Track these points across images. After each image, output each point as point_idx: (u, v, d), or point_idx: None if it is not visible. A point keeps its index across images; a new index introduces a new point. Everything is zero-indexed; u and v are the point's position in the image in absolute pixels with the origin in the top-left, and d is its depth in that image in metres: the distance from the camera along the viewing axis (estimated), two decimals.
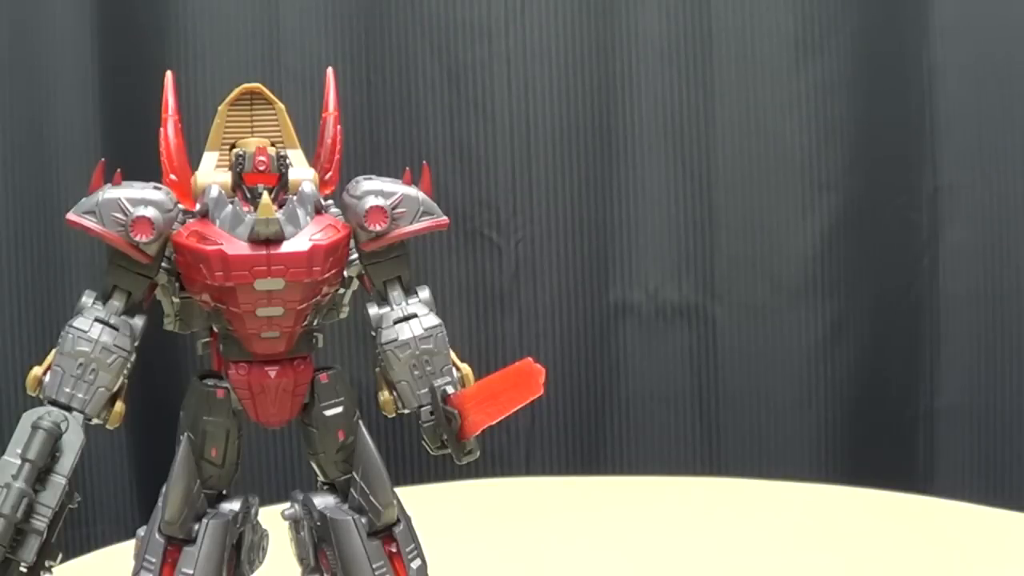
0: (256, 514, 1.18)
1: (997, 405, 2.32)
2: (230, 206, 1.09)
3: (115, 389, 1.11)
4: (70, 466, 1.07)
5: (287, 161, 1.13)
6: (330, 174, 1.17)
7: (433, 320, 1.17)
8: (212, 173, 1.14)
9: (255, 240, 1.07)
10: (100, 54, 2.17)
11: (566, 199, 2.33)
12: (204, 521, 1.10)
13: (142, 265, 1.11)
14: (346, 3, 2.25)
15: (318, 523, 1.15)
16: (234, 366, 1.12)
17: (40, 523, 1.05)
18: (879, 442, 2.37)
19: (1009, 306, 2.30)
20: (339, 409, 1.15)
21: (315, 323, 1.15)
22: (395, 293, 1.18)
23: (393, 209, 1.14)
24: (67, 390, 1.09)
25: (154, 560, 1.09)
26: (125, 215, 1.08)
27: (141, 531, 1.12)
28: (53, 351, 1.11)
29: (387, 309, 1.17)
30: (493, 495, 2.09)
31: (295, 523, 1.19)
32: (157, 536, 1.09)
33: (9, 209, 2.13)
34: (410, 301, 1.18)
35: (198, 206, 1.11)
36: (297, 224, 1.09)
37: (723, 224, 2.36)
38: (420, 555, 1.16)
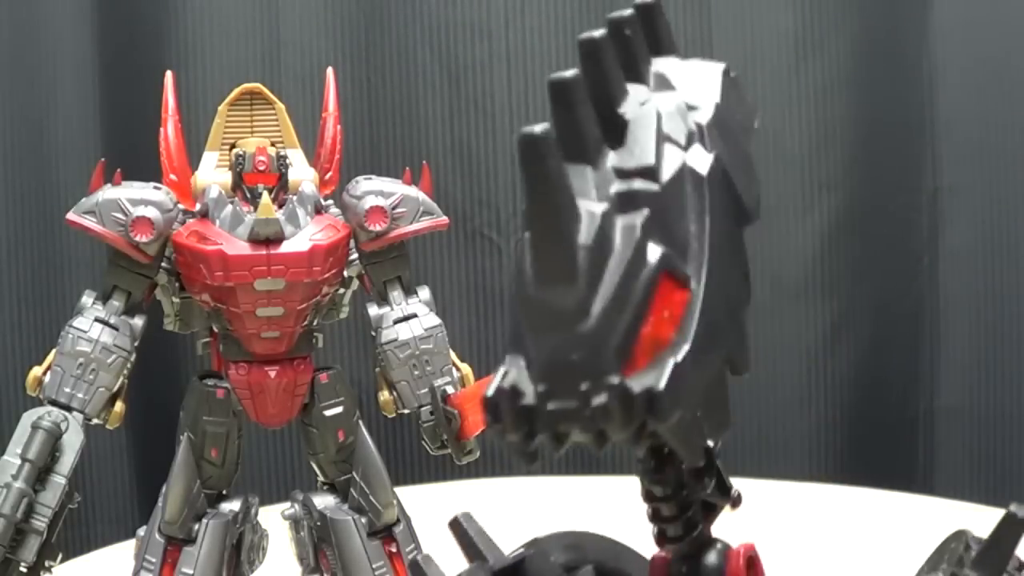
0: (256, 514, 1.18)
1: (997, 405, 2.31)
2: (230, 206, 1.09)
3: (115, 389, 1.11)
4: (70, 466, 1.07)
5: (287, 161, 1.13)
6: (330, 174, 1.18)
7: (433, 320, 1.17)
8: (212, 173, 1.14)
9: (255, 240, 1.07)
10: (100, 54, 2.17)
11: None
12: (204, 521, 1.10)
13: (142, 265, 1.12)
14: (346, 3, 2.25)
15: (318, 523, 1.15)
16: (234, 366, 1.13)
17: (40, 523, 1.05)
18: (879, 442, 2.37)
19: (1009, 306, 2.30)
20: (339, 409, 1.15)
21: (315, 323, 1.15)
22: (395, 293, 1.18)
23: (393, 209, 1.15)
24: (67, 390, 1.09)
25: (154, 560, 1.09)
26: (125, 215, 1.09)
27: (141, 531, 1.12)
28: (53, 351, 1.11)
29: (387, 309, 1.18)
30: (493, 495, 2.09)
31: (295, 523, 1.19)
32: (157, 536, 1.10)
33: (9, 209, 2.13)
34: (410, 301, 1.18)
35: (198, 206, 1.12)
36: (297, 224, 1.09)
37: None
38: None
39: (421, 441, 1.17)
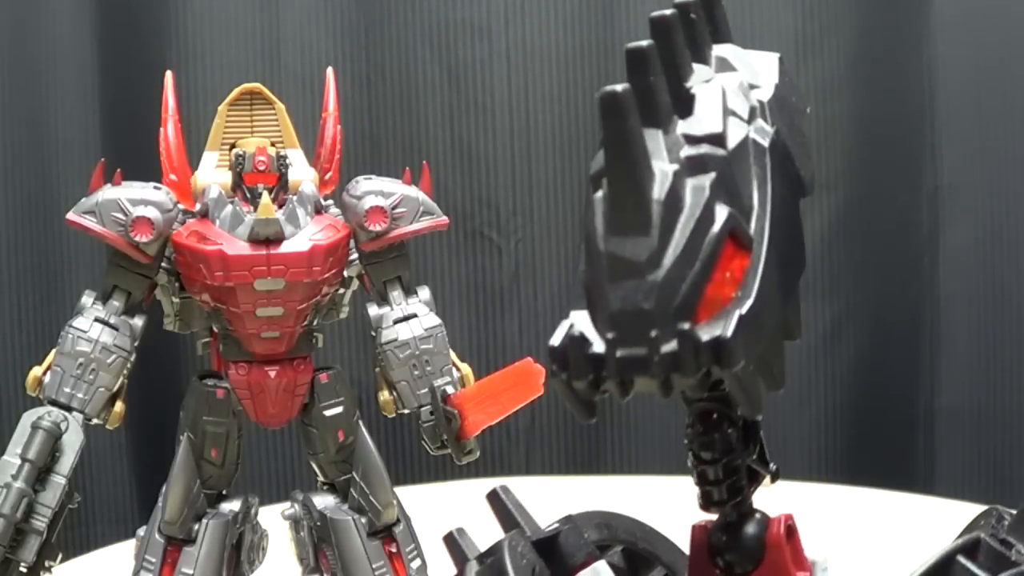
0: (256, 514, 1.18)
1: (997, 405, 2.31)
2: (230, 206, 1.09)
3: (115, 389, 1.11)
4: (70, 466, 1.07)
5: (287, 161, 1.13)
6: (330, 174, 1.18)
7: (433, 320, 1.17)
8: (212, 173, 1.14)
9: (255, 240, 1.07)
10: (100, 54, 2.17)
11: (566, 199, 2.33)
12: (204, 521, 1.10)
13: (142, 265, 1.12)
14: (346, 3, 2.25)
15: (318, 523, 1.15)
16: (234, 366, 1.13)
17: (40, 523, 1.05)
18: (879, 442, 2.37)
19: (1009, 306, 2.30)
20: (339, 409, 1.15)
21: (315, 323, 1.15)
22: (395, 293, 1.18)
23: (393, 209, 1.15)
24: (67, 390, 1.09)
25: (154, 560, 1.09)
26: (125, 215, 1.09)
27: (141, 531, 1.12)
28: (53, 351, 1.11)
29: (387, 309, 1.18)
30: None
31: (295, 523, 1.19)
32: (157, 536, 1.10)
33: (9, 209, 2.13)
34: (410, 301, 1.18)
35: (198, 206, 1.12)
36: (297, 224, 1.10)
37: None
38: (420, 555, 1.16)
39: (421, 441, 1.17)
